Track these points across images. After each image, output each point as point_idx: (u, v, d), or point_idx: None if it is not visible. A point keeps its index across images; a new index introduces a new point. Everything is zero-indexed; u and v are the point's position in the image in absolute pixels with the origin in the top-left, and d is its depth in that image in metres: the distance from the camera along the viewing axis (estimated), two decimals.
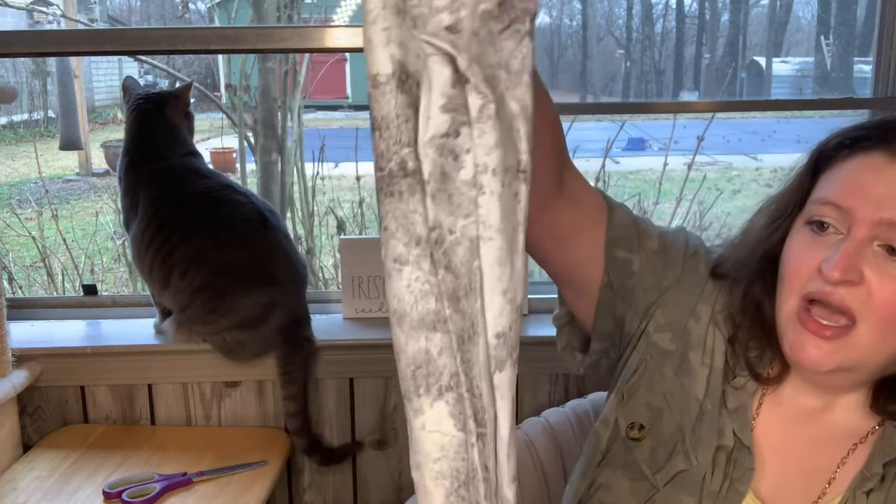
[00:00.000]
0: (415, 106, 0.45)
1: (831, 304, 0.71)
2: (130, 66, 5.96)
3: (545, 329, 1.34)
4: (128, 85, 1.53)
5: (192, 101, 1.54)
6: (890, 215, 0.70)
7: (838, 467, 0.77)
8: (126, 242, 1.77)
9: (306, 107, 2.99)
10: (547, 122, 0.70)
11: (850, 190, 0.73)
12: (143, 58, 2.76)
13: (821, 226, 0.74)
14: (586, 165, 3.53)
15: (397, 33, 0.44)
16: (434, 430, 0.46)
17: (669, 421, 0.81)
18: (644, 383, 0.83)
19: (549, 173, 0.74)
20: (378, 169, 0.46)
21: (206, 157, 1.59)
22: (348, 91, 8.80)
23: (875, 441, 0.77)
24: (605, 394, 0.94)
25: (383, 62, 0.44)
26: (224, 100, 3.19)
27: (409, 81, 0.45)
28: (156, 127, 1.48)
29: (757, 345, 0.81)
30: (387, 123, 0.45)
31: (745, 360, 0.81)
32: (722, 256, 0.86)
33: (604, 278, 0.83)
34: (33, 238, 3.15)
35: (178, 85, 1.74)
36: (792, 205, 0.80)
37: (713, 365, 0.82)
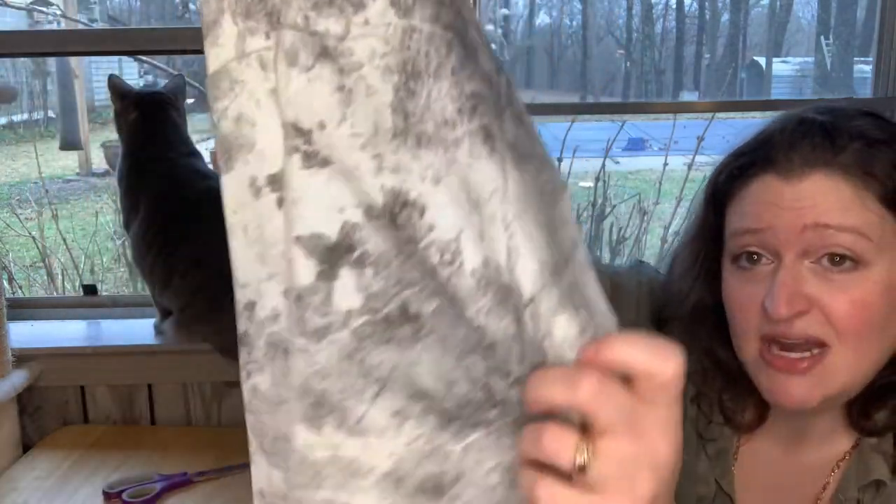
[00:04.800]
0: (415, 240, 0.38)
1: (794, 340, 0.66)
2: (130, 66, 5.96)
3: None
4: (117, 84, 1.53)
5: (191, 100, 1.55)
6: (813, 219, 0.65)
7: (820, 493, 0.74)
8: (126, 242, 1.77)
9: None
10: None
11: (761, 211, 0.68)
12: (143, 58, 2.76)
13: (749, 258, 0.69)
14: (586, 165, 3.53)
15: (393, 159, 0.37)
16: None
17: None
18: None
19: None
20: (369, 311, 0.38)
21: (206, 157, 1.59)
22: None
23: (851, 462, 0.73)
24: None
25: (375, 192, 0.37)
26: None
27: (406, 211, 0.38)
28: (159, 127, 1.48)
29: (729, 394, 0.77)
30: (386, 261, 0.38)
31: (720, 411, 0.77)
32: (664, 300, 0.81)
33: None
34: (33, 238, 3.16)
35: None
36: (705, 247, 0.75)
37: (685, 415, 0.75)
